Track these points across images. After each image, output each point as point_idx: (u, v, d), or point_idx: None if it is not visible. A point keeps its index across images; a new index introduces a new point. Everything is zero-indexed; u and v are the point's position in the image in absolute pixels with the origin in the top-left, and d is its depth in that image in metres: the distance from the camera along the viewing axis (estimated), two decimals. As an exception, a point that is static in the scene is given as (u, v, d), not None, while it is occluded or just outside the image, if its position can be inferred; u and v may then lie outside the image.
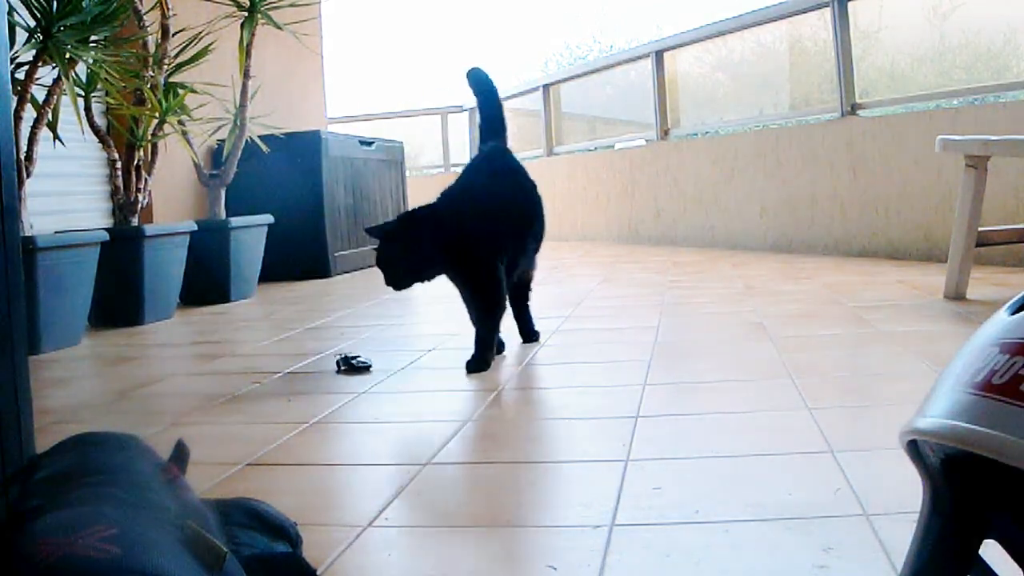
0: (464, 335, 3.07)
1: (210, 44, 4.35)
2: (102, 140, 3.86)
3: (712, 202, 6.26)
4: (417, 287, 2.49)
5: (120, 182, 3.91)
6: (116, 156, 3.88)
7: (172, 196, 5.03)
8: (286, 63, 6.41)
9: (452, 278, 2.52)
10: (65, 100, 3.43)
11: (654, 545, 1.18)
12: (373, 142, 6.58)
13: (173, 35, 4.16)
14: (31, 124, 3.30)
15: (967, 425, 0.63)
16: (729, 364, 2.38)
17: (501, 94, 2.82)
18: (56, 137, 3.51)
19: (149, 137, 4.01)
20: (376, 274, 2.49)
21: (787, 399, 1.91)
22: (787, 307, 3.25)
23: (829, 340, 2.64)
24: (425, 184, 9.67)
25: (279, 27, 4.65)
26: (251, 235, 4.71)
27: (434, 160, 10.08)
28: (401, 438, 1.84)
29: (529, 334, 2.79)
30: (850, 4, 5.14)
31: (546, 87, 8.47)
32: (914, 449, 0.71)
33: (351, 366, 2.49)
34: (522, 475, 1.54)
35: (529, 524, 1.28)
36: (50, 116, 3.41)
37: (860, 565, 1.08)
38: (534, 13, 36.07)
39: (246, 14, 4.60)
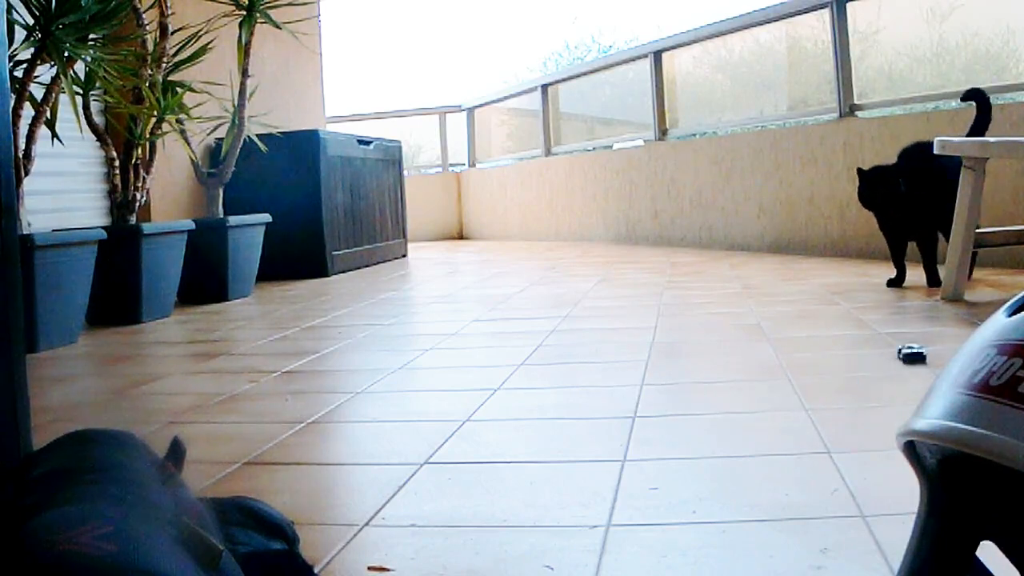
0: (461, 335, 3.08)
1: (209, 43, 4.35)
2: (100, 138, 3.86)
3: (710, 202, 6.27)
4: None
5: (118, 180, 3.91)
6: (114, 154, 3.88)
7: (170, 195, 5.03)
8: (285, 62, 6.41)
9: None
10: (63, 98, 3.43)
11: (651, 545, 1.18)
12: (371, 141, 6.58)
13: (172, 33, 4.16)
14: (29, 122, 3.30)
15: (964, 426, 0.63)
16: (727, 365, 2.38)
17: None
18: (54, 135, 3.51)
19: (147, 135, 4.00)
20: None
21: (784, 400, 1.92)
22: (785, 308, 3.25)
23: (826, 341, 2.64)
24: (424, 184, 9.68)
25: (277, 26, 4.65)
26: (249, 234, 4.71)
27: (432, 160, 10.07)
28: (398, 437, 1.84)
29: None
30: (848, 5, 5.15)
31: (544, 87, 8.46)
32: (911, 450, 0.71)
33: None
34: (519, 475, 1.54)
35: (526, 524, 1.28)
36: (48, 114, 3.41)
37: (857, 566, 1.08)
38: (534, 13, 36.06)
39: (245, 13, 4.60)
